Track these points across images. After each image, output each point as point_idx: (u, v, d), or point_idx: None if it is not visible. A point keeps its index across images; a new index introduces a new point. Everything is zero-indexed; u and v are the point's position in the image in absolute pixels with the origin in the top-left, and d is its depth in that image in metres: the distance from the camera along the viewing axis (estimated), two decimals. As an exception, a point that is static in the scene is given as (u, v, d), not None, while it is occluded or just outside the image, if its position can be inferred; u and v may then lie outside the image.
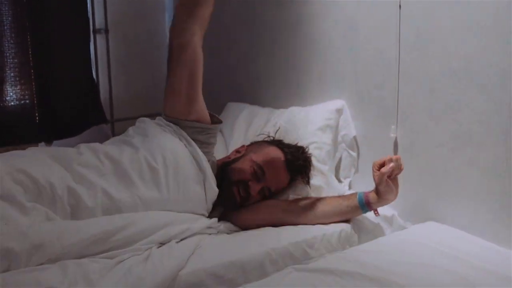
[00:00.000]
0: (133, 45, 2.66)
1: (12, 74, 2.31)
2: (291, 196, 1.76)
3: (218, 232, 1.62)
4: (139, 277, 1.32)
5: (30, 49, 2.32)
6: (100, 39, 2.58)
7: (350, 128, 1.96)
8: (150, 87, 2.64)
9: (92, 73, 2.52)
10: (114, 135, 2.57)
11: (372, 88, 1.86)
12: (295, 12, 2.15)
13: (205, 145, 1.74)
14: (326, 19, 2.00)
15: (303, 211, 1.67)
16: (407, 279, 1.25)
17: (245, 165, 1.71)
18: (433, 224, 1.61)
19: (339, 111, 1.95)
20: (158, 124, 1.74)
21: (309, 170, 1.80)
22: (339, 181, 1.95)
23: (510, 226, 1.45)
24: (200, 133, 1.74)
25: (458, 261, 1.34)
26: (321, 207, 1.66)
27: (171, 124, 1.72)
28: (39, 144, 2.35)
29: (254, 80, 2.45)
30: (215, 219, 1.65)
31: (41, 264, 1.32)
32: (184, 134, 1.70)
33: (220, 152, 2.02)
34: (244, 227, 1.66)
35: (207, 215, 1.67)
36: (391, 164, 1.54)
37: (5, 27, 2.26)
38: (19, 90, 2.34)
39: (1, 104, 2.28)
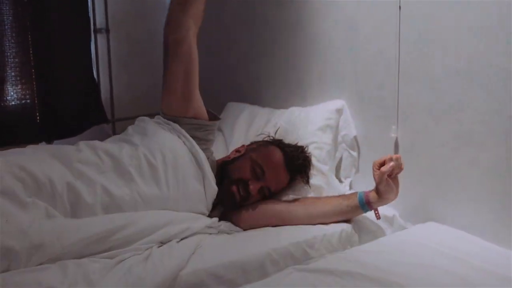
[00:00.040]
0: (134, 44, 2.66)
1: (13, 74, 2.31)
2: (291, 196, 1.76)
3: (218, 232, 1.62)
4: (139, 277, 1.32)
5: (31, 49, 2.32)
6: (101, 38, 2.58)
7: (350, 128, 1.96)
8: (151, 87, 2.63)
9: (93, 72, 2.52)
10: (115, 134, 2.57)
11: (372, 88, 1.86)
12: (295, 12, 2.15)
13: (204, 142, 1.75)
14: (326, 19, 2.00)
15: (303, 211, 1.67)
16: (407, 279, 1.25)
17: (244, 164, 1.71)
18: (434, 225, 1.60)
19: (339, 111, 1.95)
20: (157, 123, 1.75)
21: (309, 169, 1.80)
22: (340, 181, 1.95)
23: (511, 227, 1.45)
24: (198, 129, 1.75)
25: (458, 261, 1.33)
26: (322, 207, 1.67)
27: (170, 122, 1.73)
28: (40, 144, 2.35)
29: (254, 80, 2.45)
30: (215, 219, 1.65)
31: (41, 263, 1.32)
32: (183, 131, 1.71)
33: (220, 152, 2.02)
34: (245, 227, 1.66)
35: (207, 214, 1.67)
36: (391, 163, 1.54)
37: (6, 27, 2.25)
38: (20, 90, 2.34)
39: (2, 104, 2.28)
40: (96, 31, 2.54)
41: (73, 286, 1.26)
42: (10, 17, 2.26)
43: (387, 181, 1.55)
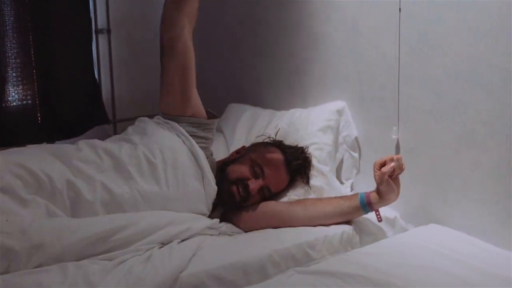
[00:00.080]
0: (135, 45, 2.65)
1: (14, 75, 2.30)
2: (292, 197, 1.76)
3: (219, 233, 1.62)
4: (139, 278, 1.32)
5: (32, 50, 2.32)
6: (102, 39, 2.57)
7: (351, 129, 1.95)
8: (152, 88, 2.61)
9: (94, 73, 2.52)
10: (116, 135, 2.57)
11: (374, 89, 1.85)
12: (296, 13, 2.14)
13: (203, 141, 1.75)
14: (328, 20, 2.00)
15: (303, 212, 1.66)
16: (408, 281, 1.25)
17: (244, 164, 1.72)
18: (435, 227, 1.60)
19: (340, 112, 1.94)
20: (156, 123, 1.76)
21: (309, 170, 1.80)
22: (341, 182, 1.95)
23: (513, 229, 1.45)
24: (197, 128, 1.75)
25: (459, 263, 1.33)
26: (322, 208, 1.66)
27: (169, 121, 1.74)
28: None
29: (256, 81, 2.45)
30: (216, 220, 1.65)
31: (41, 263, 1.32)
32: (182, 130, 1.71)
33: (221, 154, 2.03)
34: (245, 228, 1.66)
35: (207, 214, 1.67)
36: (392, 164, 1.54)
37: (7, 27, 2.25)
38: (21, 91, 2.33)
39: (3, 105, 2.28)
40: (97, 31, 2.54)
41: (73, 287, 1.26)
42: (12, 18, 2.26)
43: (388, 181, 1.55)
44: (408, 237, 1.54)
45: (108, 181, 1.53)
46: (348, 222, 1.66)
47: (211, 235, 1.59)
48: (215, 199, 1.70)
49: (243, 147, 1.89)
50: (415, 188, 1.72)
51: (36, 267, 1.31)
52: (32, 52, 2.32)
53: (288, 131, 1.98)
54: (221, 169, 1.76)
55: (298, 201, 1.72)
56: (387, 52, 1.77)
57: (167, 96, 1.76)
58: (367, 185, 1.67)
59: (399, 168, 1.55)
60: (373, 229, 1.66)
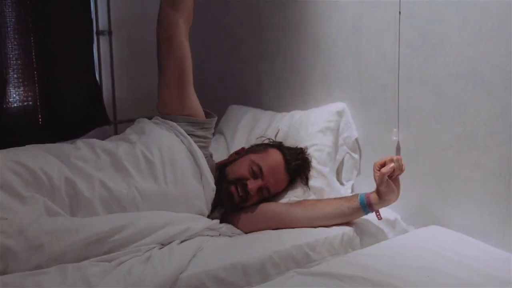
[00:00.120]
0: (136, 46, 2.65)
1: (15, 76, 2.31)
2: (292, 198, 1.75)
3: (220, 234, 1.61)
4: (139, 278, 1.32)
5: (33, 51, 2.33)
6: (104, 40, 2.58)
7: (352, 130, 1.95)
8: (153, 89, 2.62)
9: (95, 74, 2.53)
10: (116, 136, 2.57)
11: (375, 90, 1.85)
12: (298, 14, 2.14)
13: (201, 140, 1.76)
14: (329, 21, 2.00)
15: (303, 213, 1.66)
16: (409, 283, 1.25)
17: (243, 164, 1.72)
18: (436, 228, 1.60)
19: (340, 113, 1.94)
20: (154, 123, 1.77)
21: (308, 170, 1.80)
22: (341, 183, 1.94)
23: (514, 230, 1.45)
24: (195, 127, 1.76)
25: (460, 265, 1.33)
26: (322, 209, 1.66)
27: (167, 121, 1.75)
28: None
29: (256, 81, 2.45)
30: (216, 221, 1.65)
31: (40, 264, 1.32)
32: (180, 129, 1.72)
33: (222, 156, 2.04)
34: (245, 229, 1.65)
35: (207, 213, 1.68)
36: (392, 165, 1.53)
37: (9, 29, 2.26)
38: (22, 92, 2.34)
39: (4, 106, 2.29)
40: (98, 33, 2.54)
41: (73, 287, 1.26)
42: (13, 19, 2.27)
43: (387, 182, 1.54)
44: (409, 239, 1.54)
45: (106, 178, 1.54)
46: (348, 224, 1.66)
47: (212, 236, 1.59)
48: (214, 200, 1.70)
49: (242, 148, 1.89)
50: (416, 188, 1.72)
51: (35, 267, 1.31)
52: (33, 54, 2.33)
53: (288, 133, 1.98)
54: (220, 170, 1.76)
55: (298, 202, 1.71)
56: (387, 52, 1.77)
57: (164, 96, 1.78)
58: (368, 186, 1.66)
59: (399, 168, 1.55)
60: (373, 231, 1.66)
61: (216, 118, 1.85)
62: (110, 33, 2.57)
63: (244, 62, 2.52)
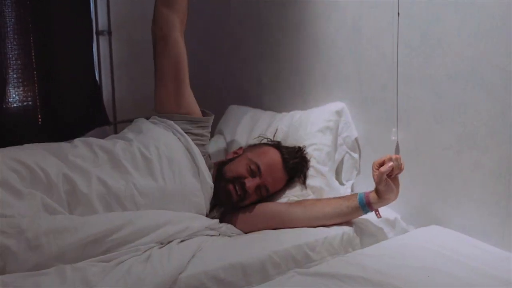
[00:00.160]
0: (136, 46, 2.66)
1: (15, 76, 2.31)
2: (292, 198, 1.75)
3: (220, 234, 1.61)
4: (139, 278, 1.32)
5: (33, 51, 2.33)
6: (103, 41, 2.58)
7: (351, 130, 1.95)
8: (153, 89, 2.63)
9: (95, 75, 2.53)
10: (116, 136, 2.57)
11: (375, 90, 1.85)
12: (298, 14, 2.14)
13: (198, 137, 1.77)
14: (329, 20, 2.00)
15: (303, 212, 1.66)
16: (409, 283, 1.24)
17: (241, 163, 1.73)
18: (436, 228, 1.60)
19: (339, 113, 1.94)
20: (152, 122, 1.78)
21: (306, 168, 1.81)
22: (341, 183, 1.94)
23: (514, 230, 1.44)
24: (191, 125, 1.77)
25: (460, 264, 1.33)
26: (321, 208, 1.66)
27: (165, 120, 1.76)
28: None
29: (257, 81, 2.45)
30: (216, 220, 1.65)
31: (39, 263, 1.32)
32: (177, 127, 1.73)
33: (222, 156, 2.05)
34: (244, 229, 1.66)
35: (206, 212, 1.68)
36: (390, 163, 1.53)
37: (8, 29, 2.26)
38: (21, 92, 2.34)
39: (4, 106, 2.29)
40: (98, 33, 2.54)
41: (73, 287, 1.26)
42: (13, 19, 2.27)
43: (386, 181, 1.54)
44: (409, 239, 1.54)
45: (103, 175, 1.55)
46: (348, 223, 1.66)
47: (211, 235, 1.59)
48: (213, 199, 1.71)
49: (241, 148, 1.90)
50: (416, 188, 1.72)
51: (34, 266, 1.31)
52: (33, 54, 2.33)
53: (288, 133, 1.98)
54: (218, 169, 1.77)
55: (298, 202, 1.71)
56: (387, 52, 1.76)
57: (161, 95, 1.80)
58: (368, 186, 1.66)
59: (398, 167, 1.54)
60: (373, 230, 1.66)
61: (213, 117, 1.86)
62: (109, 33, 2.57)
63: (244, 62, 2.52)
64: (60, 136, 2.37)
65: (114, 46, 2.60)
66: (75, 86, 2.43)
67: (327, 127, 1.92)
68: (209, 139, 1.89)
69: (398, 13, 1.70)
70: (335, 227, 1.63)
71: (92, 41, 2.49)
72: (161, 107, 1.80)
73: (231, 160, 1.79)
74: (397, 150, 1.77)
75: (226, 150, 2.19)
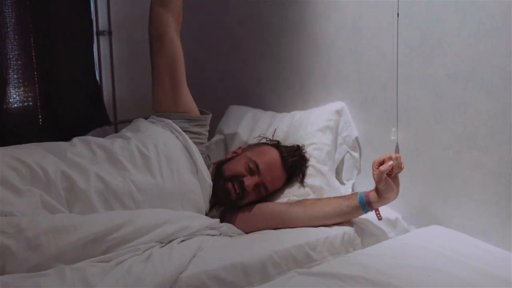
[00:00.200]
0: (136, 46, 2.65)
1: (15, 76, 2.31)
2: (292, 198, 1.75)
3: (220, 234, 1.62)
4: (139, 278, 1.32)
5: (33, 51, 2.32)
6: (104, 41, 2.57)
7: (351, 129, 1.95)
8: (153, 89, 2.64)
9: (95, 75, 2.52)
10: (116, 136, 2.57)
11: (375, 90, 1.85)
12: (298, 14, 2.14)
13: (196, 136, 1.78)
14: (329, 20, 2.00)
15: (303, 212, 1.66)
16: (410, 282, 1.25)
17: (240, 162, 1.74)
18: (437, 228, 1.60)
19: (339, 112, 1.95)
20: (150, 121, 1.80)
21: (305, 167, 1.81)
22: (342, 183, 1.94)
23: (515, 230, 1.45)
24: (189, 123, 1.78)
25: (461, 264, 1.33)
26: (322, 208, 1.66)
27: (163, 119, 1.77)
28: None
29: (256, 82, 2.45)
30: (217, 220, 1.65)
31: (38, 263, 1.32)
32: (175, 126, 1.74)
33: (222, 156, 2.05)
34: (245, 229, 1.66)
35: (205, 210, 1.69)
36: (390, 162, 1.53)
37: (9, 29, 2.25)
38: (22, 92, 2.34)
39: (4, 106, 2.28)
40: (98, 33, 2.54)
41: (72, 287, 1.27)
42: (13, 20, 2.26)
43: (386, 180, 1.54)
44: (410, 238, 1.54)
45: (101, 171, 1.56)
46: (349, 223, 1.66)
47: (212, 235, 1.59)
48: (212, 198, 1.71)
49: (240, 147, 1.91)
50: (416, 188, 1.72)
51: (33, 266, 1.32)
52: (33, 54, 2.32)
53: (289, 133, 1.99)
54: (217, 168, 1.78)
55: (298, 202, 1.72)
56: (387, 52, 1.77)
57: (158, 95, 1.82)
58: (368, 185, 1.66)
59: (398, 166, 1.54)
60: (374, 230, 1.66)
61: (210, 115, 1.87)
62: (110, 33, 2.57)
63: (244, 62, 2.52)
64: (60, 136, 2.36)
65: (114, 46, 2.60)
66: (76, 86, 2.42)
67: (327, 127, 1.92)
68: (210, 139, 1.89)
69: (398, 13, 1.70)
70: (336, 227, 1.63)
71: (92, 41, 2.49)
72: (159, 107, 1.82)
73: (230, 159, 1.80)
74: (397, 150, 1.77)
75: (226, 151, 2.19)
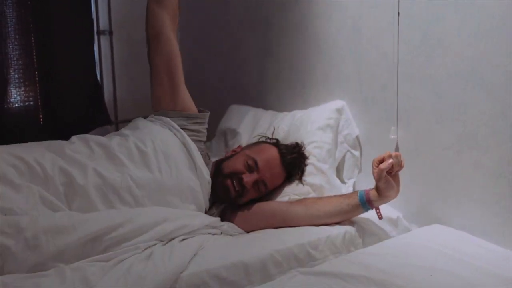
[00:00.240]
0: (137, 46, 2.64)
1: (16, 76, 2.31)
2: (293, 197, 1.75)
3: (221, 232, 1.62)
4: (140, 276, 1.32)
5: (34, 51, 2.33)
6: (104, 40, 2.58)
7: (352, 128, 1.95)
8: (153, 89, 2.63)
9: (96, 74, 2.53)
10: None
11: (375, 90, 1.85)
12: (299, 13, 2.15)
13: (195, 133, 1.79)
14: (330, 20, 2.00)
15: (304, 211, 1.66)
16: (411, 282, 1.24)
17: (239, 159, 1.74)
18: (438, 227, 1.60)
19: (339, 111, 1.95)
20: (149, 120, 1.81)
21: (304, 164, 1.81)
22: (343, 182, 1.95)
23: (516, 229, 1.45)
24: (188, 121, 1.79)
25: (463, 263, 1.33)
26: (322, 206, 1.66)
27: (161, 118, 1.78)
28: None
29: (257, 81, 2.45)
30: (217, 219, 1.65)
31: (38, 263, 1.33)
32: (173, 124, 1.75)
33: (222, 156, 2.03)
34: (245, 228, 1.66)
35: (205, 208, 1.69)
36: (390, 160, 1.53)
37: (9, 29, 2.26)
38: (23, 92, 2.34)
39: (5, 106, 2.29)
40: (99, 33, 2.54)
41: (72, 287, 1.27)
42: (13, 19, 2.27)
43: (386, 178, 1.54)
44: (411, 238, 1.54)
45: (99, 167, 1.57)
46: (350, 222, 1.66)
47: (213, 234, 1.59)
48: (212, 196, 1.71)
49: (239, 146, 1.93)
50: (416, 188, 1.72)
51: (33, 266, 1.32)
52: (34, 54, 2.33)
53: (289, 132, 1.99)
54: (216, 166, 1.78)
55: (299, 201, 1.72)
56: (388, 52, 1.77)
57: (157, 94, 1.83)
58: (369, 184, 1.67)
59: (398, 165, 1.54)
60: (375, 230, 1.66)
61: (208, 113, 1.88)
62: (110, 33, 2.57)
63: (245, 62, 2.53)
64: (61, 136, 2.36)
65: (115, 46, 2.60)
66: (76, 86, 2.43)
67: (327, 125, 1.92)
68: (211, 139, 1.89)
69: (399, 13, 1.70)
70: (337, 226, 1.63)
71: (93, 41, 2.49)
72: (157, 105, 1.83)
73: (229, 157, 1.81)
74: (396, 149, 1.77)
75: (227, 150, 2.19)
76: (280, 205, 1.72)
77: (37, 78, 2.35)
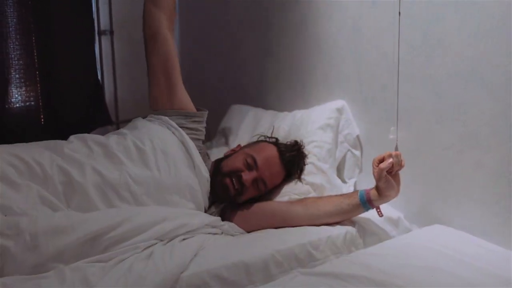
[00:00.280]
0: (138, 46, 2.64)
1: (17, 76, 2.31)
2: (293, 196, 1.76)
3: (222, 232, 1.62)
4: (140, 276, 1.32)
5: (35, 51, 2.33)
6: (105, 40, 2.58)
7: (353, 127, 1.96)
8: (154, 89, 2.63)
9: (97, 74, 2.53)
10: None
11: (376, 90, 1.86)
12: (299, 14, 2.15)
13: (193, 132, 1.79)
14: (330, 20, 2.00)
15: (304, 210, 1.66)
16: (412, 282, 1.24)
17: (238, 158, 1.74)
18: (439, 227, 1.60)
19: (340, 111, 1.95)
20: (148, 120, 1.81)
21: (303, 162, 1.81)
22: (344, 181, 1.95)
23: (517, 229, 1.45)
24: (186, 120, 1.80)
25: (463, 264, 1.33)
26: (322, 206, 1.66)
27: (160, 117, 1.79)
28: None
29: (258, 81, 2.45)
30: (218, 218, 1.65)
31: (37, 264, 1.33)
32: (172, 123, 1.76)
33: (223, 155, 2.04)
34: (246, 228, 1.66)
35: (204, 206, 1.69)
36: (390, 160, 1.53)
37: (10, 29, 2.26)
38: (24, 92, 2.34)
39: (6, 106, 2.29)
40: (100, 33, 2.55)
41: (72, 287, 1.27)
42: (14, 19, 2.27)
43: (386, 177, 1.54)
44: (412, 238, 1.54)
45: (98, 165, 1.57)
46: (351, 222, 1.66)
47: (214, 234, 1.59)
48: (211, 195, 1.72)
49: (238, 145, 1.92)
50: (417, 188, 1.72)
51: (32, 267, 1.32)
52: (35, 54, 2.33)
53: (290, 132, 1.99)
54: (215, 165, 1.78)
55: (299, 200, 1.72)
56: (388, 52, 1.77)
57: (154, 93, 1.84)
58: (370, 184, 1.67)
59: (398, 164, 1.54)
60: (376, 230, 1.66)
61: (206, 112, 1.88)
62: (111, 32, 2.58)
63: (245, 62, 2.53)
64: (62, 136, 2.37)
65: (116, 46, 2.60)
66: (78, 85, 2.43)
67: (327, 125, 1.92)
68: (211, 139, 1.89)
69: (399, 13, 1.70)
70: (338, 226, 1.64)
71: (94, 41, 2.50)
72: (155, 105, 1.84)
73: (228, 156, 1.81)
74: (396, 150, 1.77)
75: (228, 149, 2.19)
76: (280, 205, 1.72)
77: (38, 78, 2.36)
